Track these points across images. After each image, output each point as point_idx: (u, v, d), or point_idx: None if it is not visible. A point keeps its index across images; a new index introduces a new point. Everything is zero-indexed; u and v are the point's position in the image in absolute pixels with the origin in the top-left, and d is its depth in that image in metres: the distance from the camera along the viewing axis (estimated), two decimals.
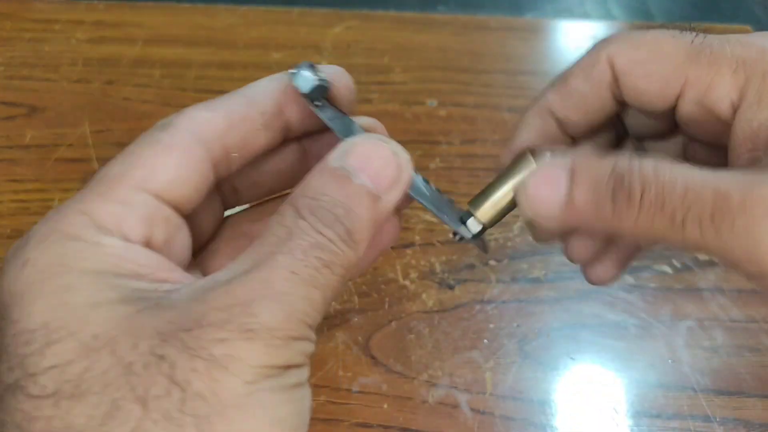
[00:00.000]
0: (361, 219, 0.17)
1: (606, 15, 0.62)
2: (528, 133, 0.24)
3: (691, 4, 0.64)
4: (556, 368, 0.34)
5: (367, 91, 0.50)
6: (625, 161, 0.19)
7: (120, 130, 0.46)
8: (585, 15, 0.62)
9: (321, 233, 0.17)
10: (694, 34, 0.21)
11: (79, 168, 0.43)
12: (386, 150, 0.19)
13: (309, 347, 0.16)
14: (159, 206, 0.18)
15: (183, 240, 0.19)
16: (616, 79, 0.22)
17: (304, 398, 0.16)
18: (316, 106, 0.21)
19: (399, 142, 0.50)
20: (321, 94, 0.21)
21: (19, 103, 0.48)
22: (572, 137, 0.24)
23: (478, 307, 0.36)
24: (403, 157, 0.19)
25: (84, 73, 0.50)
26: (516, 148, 0.23)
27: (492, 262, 0.38)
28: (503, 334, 0.35)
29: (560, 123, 0.24)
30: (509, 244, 0.39)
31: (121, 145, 0.46)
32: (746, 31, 0.58)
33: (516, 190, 0.22)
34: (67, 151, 0.44)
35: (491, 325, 0.35)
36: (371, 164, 0.18)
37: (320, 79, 0.21)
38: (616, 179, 0.19)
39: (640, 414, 0.32)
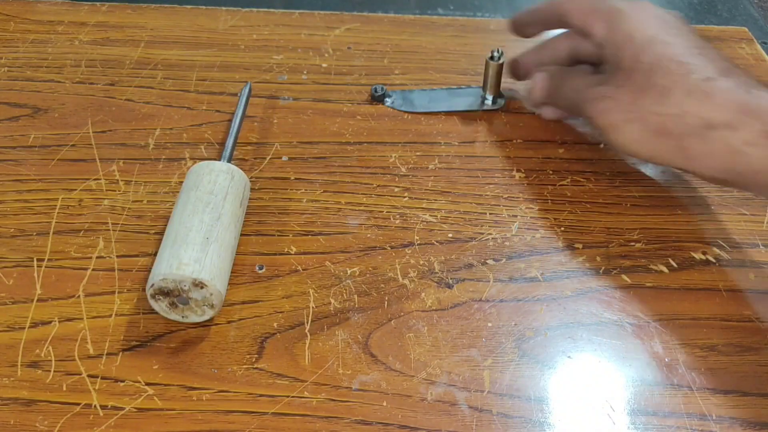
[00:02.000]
0: None
1: None
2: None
3: (688, 6, 0.65)
4: (554, 366, 0.34)
5: (367, 92, 0.50)
6: (566, 71, 0.44)
7: (123, 130, 0.46)
8: None
9: None
10: None
11: (82, 168, 0.43)
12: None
13: None
14: None
15: None
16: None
17: None
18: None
19: (398, 142, 0.50)
20: None
21: (23, 103, 0.48)
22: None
23: (476, 306, 0.36)
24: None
25: (87, 75, 0.51)
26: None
27: (490, 262, 0.39)
28: (501, 333, 0.35)
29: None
30: (507, 244, 0.40)
31: (124, 145, 0.47)
32: (743, 33, 0.58)
33: (527, 87, 0.48)
34: (70, 151, 0.44)
35: (489, 324, 0.36)
36: None
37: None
38: (560, 81, 0.44)
39: (636, 412, 0.32)
